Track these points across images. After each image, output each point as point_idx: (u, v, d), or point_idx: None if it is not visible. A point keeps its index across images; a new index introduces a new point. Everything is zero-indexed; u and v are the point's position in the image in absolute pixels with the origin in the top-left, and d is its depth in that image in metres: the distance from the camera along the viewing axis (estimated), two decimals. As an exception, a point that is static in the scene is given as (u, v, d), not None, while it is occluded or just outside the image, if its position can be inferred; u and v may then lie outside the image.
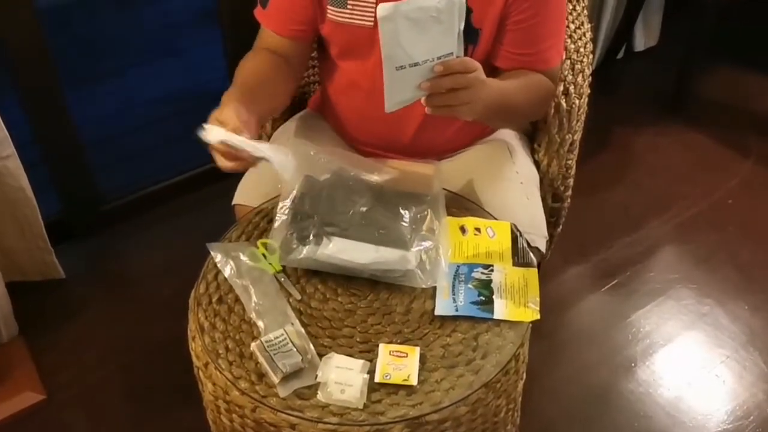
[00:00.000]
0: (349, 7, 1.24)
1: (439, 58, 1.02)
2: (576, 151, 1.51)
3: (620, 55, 2.79)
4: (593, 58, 2.58)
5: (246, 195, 1.39)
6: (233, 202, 1.41)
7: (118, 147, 2.40)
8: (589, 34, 1.54)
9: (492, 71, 1.32)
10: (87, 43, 2.90)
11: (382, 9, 0.98)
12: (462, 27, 1.03)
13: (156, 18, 3.11)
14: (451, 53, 1.03)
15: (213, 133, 1.07)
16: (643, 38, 2.81)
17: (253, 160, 1.08)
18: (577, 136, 1.49)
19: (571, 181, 1.53)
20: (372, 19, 1.23)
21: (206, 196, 2.13)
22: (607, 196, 2.27)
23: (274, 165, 1.08)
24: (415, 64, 1.01)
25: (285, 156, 1.11)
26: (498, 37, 1.27)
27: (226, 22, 2.04)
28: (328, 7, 1.26)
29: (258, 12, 1.35)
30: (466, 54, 1.23)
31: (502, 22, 1.25)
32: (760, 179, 2.33)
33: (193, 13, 3.09)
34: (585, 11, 1.55)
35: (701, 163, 2.39)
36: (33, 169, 1.77)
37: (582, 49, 1.50)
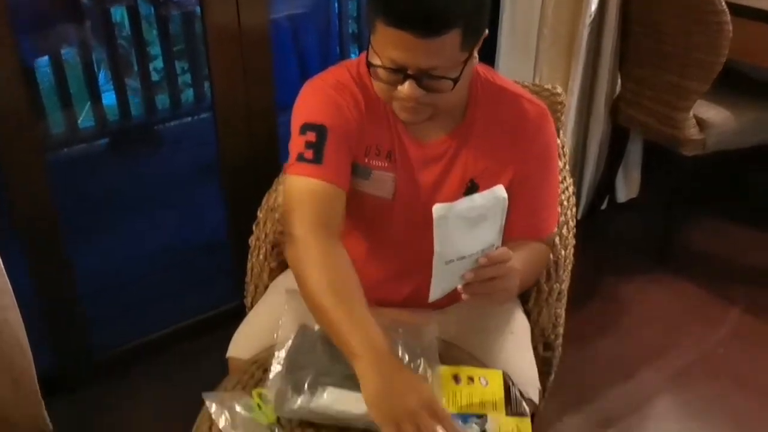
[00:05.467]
0: (371, 179, 1.32)
1: (482, 250, 1.09)
2: (564, 300, 1.55)
3: (604, 206, 2.89)
4: (577, 209, 2.67)
5: (240, 348, 1.40)
6: (227, 355, 1.42)
7: (113, 299, 2.41)
8: (571, 188, 1.62)
9: None
10: (88, 195, 2.98)
11: (438, 209, 1.05)
12: (504, 221, 1.10)
13: (157, 171, 3.22)
14: (493, 245, 1.10)
15: None
16: (625, 190, 2.92)
17: None
18: (565, 285, 1.53)
19: (561, 330, 1.56)
20: (391, 193, 1.31)
21: (201, 347, 2.13)
22: (600, 345, 2.28)
23: None
24: (462, 258, 1.08)
25: None
26: None
27: (226, 176, 2.12)
28: (352, 175, 1.32)
29: (305, 168, 1.23)
30: None
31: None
32: (748, 329, 2.35)
33: (193, 167, 3.20)
34: (566, 167, 1.64)
35: (690, 312, 2.43)
36: (28, 319, 1.78)
37: (565, 203, 1.58)
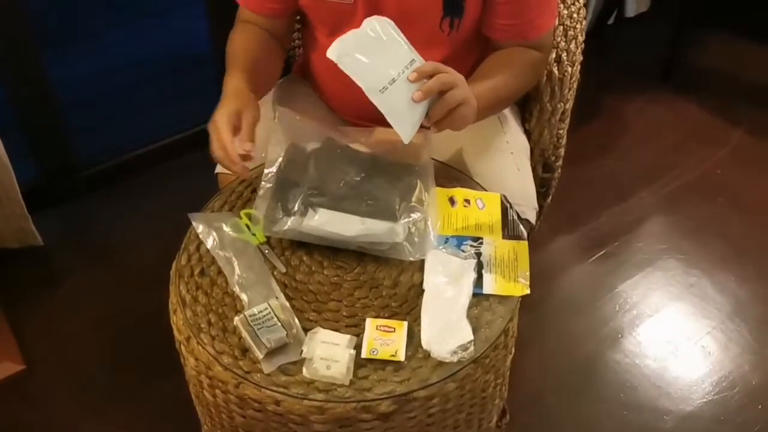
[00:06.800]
0: None
1: (406, 67, 1.04)
2: (567, 120, 1.48)
3: (611, 20, 2.74)
4: (585, 23, 2.53)
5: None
6: (216, 171, 1.37)
7: (97, 111, 2.33)
8: (582, 0, 1.50)
9: (483, 42, 1.28)
10: (64, 1, 2.81)
11: (331, 51, 1.02)
12: (404, 36, 1.07)
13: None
14: (413, 60, 1.05)
15: None
16: (635, 4, 2.76)
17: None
18: (569, 105, 1.45)
19: (562, 151, 1.50)
20: None
21: (189, 162, 2.08)
22: (597, 165, 2.25)
23: None
24: (393, 81, 1.03)
25: None
26: (486, 8, 1.23)
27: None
28: None
29: None
30: (452, 27, 1.20)
31: None
32: (749, 149, 2.31)
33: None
34: (578, -26, 1.51)
35: (691, 132, 2.37)
36: (9, 133, 1.72)
37: (575, 15, 1.46)
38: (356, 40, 1.03)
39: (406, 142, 1.05)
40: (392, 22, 1.06)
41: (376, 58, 1.03)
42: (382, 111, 1.02)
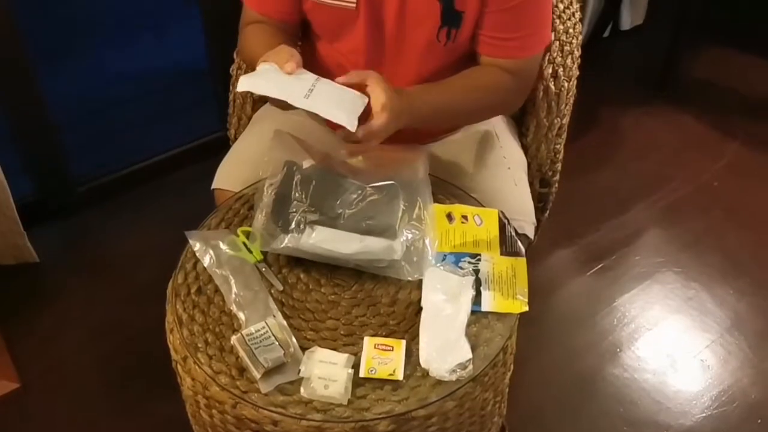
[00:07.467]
0: None
1: (317, 81, 1.08)
2: (564, 135, 1.48)
3: (606, 33, 2.75)
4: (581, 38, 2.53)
5: (226, 180, 1.35)
6: (213, 187, 1.37)
7: (93, 127, 2.33)
8: (578, 14, 1.49)
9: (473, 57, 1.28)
10: (59, 17, 2.81)
11: (241, 84, 1.06)
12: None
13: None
14: (318, 78, 1.09)
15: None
16: (630, 17, 2.77)
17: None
18: (566, 120, 1.45)
19: (559, 166, 1.50)
20: (354, 1, 1.19)
21: (185, 177, 2.08)
22: (594, 178, 2.25)
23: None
24: (311, 90, 1.06)
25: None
26: (480, 21, 1.23)
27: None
28: None
29: None
30: (448, 38, 1.21)
31: (485, 3, 1.20)
32: (746, 162, 2.31)
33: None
34: (574, -11, 1.51)
35: (688, 145, 2.37)
36: (4, 149, 1.72)
37: (571, 30, 1.46)
38: (262, 73, 1.08)
39: (353, 129, 1.05)
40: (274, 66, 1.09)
41: (284, 80, 1.07)
42: (316, 111, 1.05)
